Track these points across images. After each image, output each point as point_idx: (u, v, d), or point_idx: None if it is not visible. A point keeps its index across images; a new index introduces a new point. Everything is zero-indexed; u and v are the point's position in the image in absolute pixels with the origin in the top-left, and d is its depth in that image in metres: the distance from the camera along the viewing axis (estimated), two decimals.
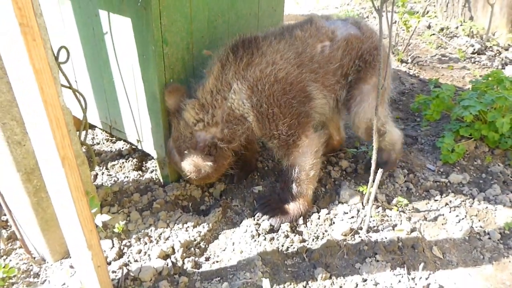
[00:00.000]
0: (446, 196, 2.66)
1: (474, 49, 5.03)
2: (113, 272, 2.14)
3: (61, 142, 1.49)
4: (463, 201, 2.60)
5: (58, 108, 1.45)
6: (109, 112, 2.86)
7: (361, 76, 2.50)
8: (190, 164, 2.36)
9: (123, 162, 3.00)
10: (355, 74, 2.51)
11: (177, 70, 2.41)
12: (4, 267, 2.19)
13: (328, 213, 2.48)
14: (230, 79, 2.27)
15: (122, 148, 3.18)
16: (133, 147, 3.17)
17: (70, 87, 2.31)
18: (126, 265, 2.20)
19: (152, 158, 2.93)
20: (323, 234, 2.38)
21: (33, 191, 2.10)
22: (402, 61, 4.57)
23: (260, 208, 2.53)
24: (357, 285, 2.08)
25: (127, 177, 2.83)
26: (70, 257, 2.29)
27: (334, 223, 2.40)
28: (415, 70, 4.52)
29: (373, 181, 2.26)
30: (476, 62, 4.81)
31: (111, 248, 2.30)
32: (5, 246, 2.37)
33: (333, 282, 2.11)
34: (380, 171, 2.19)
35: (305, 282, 2.11)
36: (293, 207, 2.47)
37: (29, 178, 2.07)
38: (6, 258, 2.31)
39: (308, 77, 2.35)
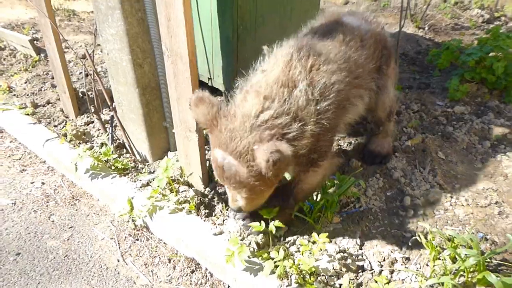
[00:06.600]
0: (451, 120, 3.39)
1: (484, 19, 5.67)
2: None
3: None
4: (464, 123, 3.33)
5: None
6: None
7: (385, 63, 2.52)
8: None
9: None
10: (382, 64, 2.51)
11: (245, 19, 3.18)
12: (121, 161, 3.03)
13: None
14: (296, 77, 1.98)
15: None
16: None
17: None
18: None
19: (220, 93, 3.72)
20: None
21: (145, 103, 2.91)
22: (419, 28, 5.25)
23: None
24: (379, 168, 2.84)
25: None
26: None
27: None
28: (430, 35, 5.20)
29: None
30: (485, 30, 5.45)
31: None
32: (114, 153, 3.20)
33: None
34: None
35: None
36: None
37: (144, 93, 2.88)
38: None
39: (354, 84, 2.19)
